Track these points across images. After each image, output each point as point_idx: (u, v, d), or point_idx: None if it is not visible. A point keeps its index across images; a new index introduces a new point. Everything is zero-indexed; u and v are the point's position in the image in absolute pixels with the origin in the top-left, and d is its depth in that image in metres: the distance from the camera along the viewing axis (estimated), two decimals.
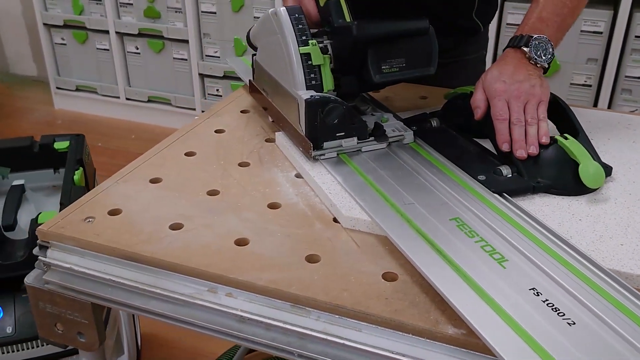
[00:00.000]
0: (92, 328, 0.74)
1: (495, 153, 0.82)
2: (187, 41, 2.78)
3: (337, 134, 0.80)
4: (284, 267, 0.67)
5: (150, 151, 0.92)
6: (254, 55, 0.99)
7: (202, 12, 2.70)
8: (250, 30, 1.00)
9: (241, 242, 0.71)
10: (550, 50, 0.83)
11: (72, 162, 1.33)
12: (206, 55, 2.80)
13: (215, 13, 2.68)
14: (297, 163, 0.85)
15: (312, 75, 0.80)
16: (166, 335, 1.74)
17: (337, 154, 0.82)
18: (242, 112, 1.05)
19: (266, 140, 0.95)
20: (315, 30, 0.85)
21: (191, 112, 2.91)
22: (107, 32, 2.91)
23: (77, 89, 3.14)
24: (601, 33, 2.16)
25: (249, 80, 1.03)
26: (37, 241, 0.74)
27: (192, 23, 2.72)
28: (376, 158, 0.82)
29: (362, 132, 0.82)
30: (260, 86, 0.98)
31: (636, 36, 2.14)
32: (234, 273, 0.66)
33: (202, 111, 2.87)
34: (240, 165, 0.88)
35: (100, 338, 0.75)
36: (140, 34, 2.86)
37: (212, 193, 0.81)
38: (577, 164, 0.76)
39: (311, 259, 0.68)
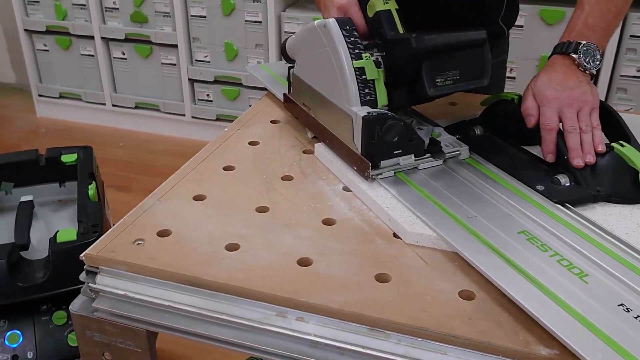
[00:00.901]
0: (146, 356, 0.71)
1: (548, 161, 0.81)
2: (175, 46, 2.73)
3: (395, 152, 0.77)
4: (355, 287, 0.64)
5: (186, 166, 0.88)
6: (290, 67, 0.95)
7: (191, 16, 2.65)
8: (285, 41, 0.96)
9: (304, 262, 0.68)
10: (598, 56, 0.82)
11: (84, 176, 1.29)
12: (196, 60, 2.75)
13: (205, 17, 2.64)
14: (345, 176, 0.83)
15: (367, 91, 0.77)
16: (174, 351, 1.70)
17: (394, 173, 0.79)
18: (272, 122, 1.02)
19: (304, 152, 0.92)
20: (365, 42, 0.82)
21: (181, 117, 2.86)
22: (92, 37, 2.84)
23: (61, 96, 3.06)
24: None
25: (285, 94, 0.98)
26: (85, 267, 0.70)
27: (181, 27, 2.66)
28: (433, 174, 0.79)
29: (419, 149, 0.79)
30: (299, 100, 0.93)
31: (631, 36, 2.16)
32: (304, 296, 0.63)
33: (193, 117, 2.83)
34: (283, 179, 0.85)
35: None
36: (127, 39, 2.79)
37: (262, 210, 0.78)
38: (636, 172, 0.75)
39: (381, 278, 0.66)
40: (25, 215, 1.21)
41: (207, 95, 2.80)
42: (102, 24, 2.80)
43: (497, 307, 0.61)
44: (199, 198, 0.80)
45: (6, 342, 1.05)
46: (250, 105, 2.72)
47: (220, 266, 0.67)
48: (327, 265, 0.68)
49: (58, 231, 1.08)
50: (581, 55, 0.81)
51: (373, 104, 0.77)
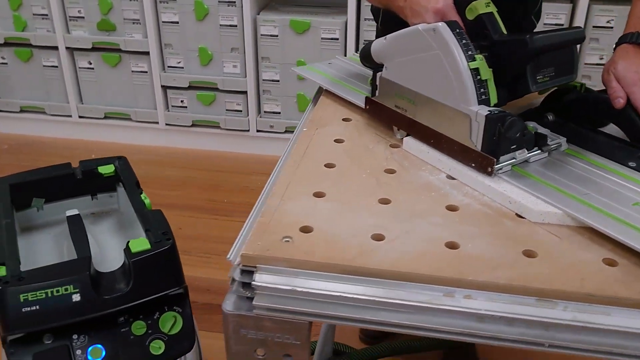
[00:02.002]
0: (304, 348, 0.73)
1: (629, 140, 0.89)
2: (146, 53, 2.68)
3: (511, 147, 0.83)
4: (509, 264, 0.70)
5: (287, 168, 0.91)
6: (376, 72, 0.98)
7: (163, 22, 2.62)
8: (367, 47, 0.99)
9: (452, 246, 0.73)
10: None
11: (131, 186, 1.27)
12: (168, 67, 2.72)
13: (177, 23, 2.61)
14: (447, 166, 0.88)
15: (482, 90, 0.81)
16: None
17: (511, 167, 0.84)
18: (344, 120, 1.06)
19: (391, 146, 0.97)
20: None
21: (154, 125, 2.82)
22: (55, 48, 2.75)
23: (22, 110, 2.94)
24: (562, 25, 2.33)
25: (367, 98, 1.02)
26: (239, 267, 0.72)
27: (152, 34, 2.63)
28: (542, 165, 0.86)
29: (530, 143, 0.85)
30: (389, 103, 0.96)
31: (594, 26, 2.33)
32: (470, 275, 0.68)
33: (167, 124, 2.80)
34: (386, 172, 0.89)
35: (307, 357, 0.74)
36: (94, 48, 2.73)
37: (384, 202, 0.82)
38: None
39: (528, 254, 0.72)
40: (79, 228, 1.19)
41: (182, 101, 2.77)
42: (66, 34, 2.72)
43: None
44: (318, 195, 0.83)
45: (89, 357, 1.04)
46: (226, 110, 2.72)
47: (377, 255, 0.71)
48: (474, 247, 0.73)
49: (129, 241, 1.07)
50: None
51: (487, 102, 0.82)
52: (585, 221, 0.74)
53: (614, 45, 0.95)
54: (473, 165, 0.84)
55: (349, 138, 1.00)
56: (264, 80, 2.67)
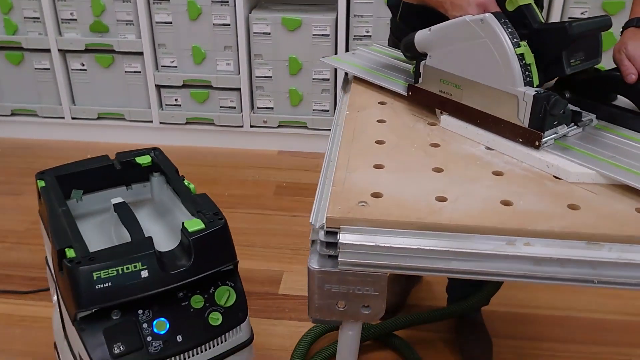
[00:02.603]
0: (381, 299, 0.83)
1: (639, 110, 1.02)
2: (140, 53, 2.74)
3: (554, 123, 0.94)
4: (559, 216, 0.81)
5: (343, 145, 1.00)
6: (420, 61, 1.08)
7: (156, 22, 2.68)
8: (410, 38, 1.08)
9: (506, 203, 0.84)
10: None
11: (172, 174, 1.35)
12: (162, 66, 2.78)
13: (170, 23, 2.68)
14: (485, 138, 0.99)
15: (527, 73, 0.92)
16: None
17: (554, 141, 0.95)
18: (380, 103, 1.17)
19: (429, 124, 1.08)
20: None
21: (148, 124, 2.87)
22: (47, 50, 2.78)
23: (13, 114, 2.96)
24: None
25: (409, 85, 1.11)
26: (325, 228, 0.82)
27: (146, 34, 2.69)
28: (576, 137, 0.97)
29: (568, 119, 0.96)
30: (433, 89, 1.06)
31: (569, 18, 2.49)
32: (530, 225, 0.79)
33: (161, 122, 2.86)
34: (432, 145, 1.00)
35: (383, 306, 0.85)
36: (87, 50, 2.77)
37: (438, 170, 0.92)
38: None
39: (572, 206, 0.83)
40: (129, 213, 1.26)
41: (175, 99, 2.83)
42: (58, 36, 2.75)
43: None
44: (378, 167, 0.93)
45: (155, 330, 1.11)
46: (220, 107, 2.80)
47: (443, 213, 0.82)
48: (525, 203, 0.84)
49: (184, 222, 1.15)
50: None
51: (531, 84, 0.93)
52: (616, 178, 0.86)
53: (621, 29, 1.08)
54: (520, 140, 0.95)
55: (389, 119, 1.10)
56: (256, 77, 2.75)
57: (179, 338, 1.12)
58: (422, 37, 1.06)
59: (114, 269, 1.06)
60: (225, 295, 1.17)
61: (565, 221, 0.80)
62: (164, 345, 1.10)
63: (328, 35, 2.63)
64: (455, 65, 1.01)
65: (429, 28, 1.04)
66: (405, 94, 1.14)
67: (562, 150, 0.93)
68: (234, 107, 2.82)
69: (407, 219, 0.80)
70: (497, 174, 0.92)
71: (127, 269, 1.07)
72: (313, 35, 2.63)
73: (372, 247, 0.80)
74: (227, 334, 1.17)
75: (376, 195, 0.86)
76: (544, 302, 1.94)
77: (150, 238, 1.12)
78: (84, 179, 1.37)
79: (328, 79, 2.71)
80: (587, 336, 1.81)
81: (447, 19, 1.04)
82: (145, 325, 1.10)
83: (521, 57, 0.93)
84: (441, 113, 1.07)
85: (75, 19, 2.72)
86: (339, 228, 0.81)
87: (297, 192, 2.58)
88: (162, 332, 1.11)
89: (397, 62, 1.32)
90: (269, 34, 2.65)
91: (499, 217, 0.81)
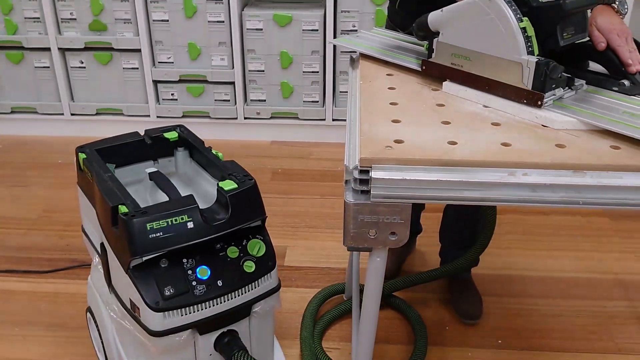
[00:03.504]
0: (406, 226, 1.01)
1: (609, 74, 1.21)
2: (137, 50, 2.88)
3: (552, 86, 1.11)
4: (549, 152, 0.99)
5: (362, 106, 1.17)
6: (432, 39, 1.24)
7: (153, 20, 2.82)
8: (424, 19, 1.23)
9: (506, 145, 1.02)
10: (626, 6, 1.24)
11: (200, 145, 1.50)
12: (159, 62, 2.92)
13: (167, 21, 2.82)
14: (482, 98, 1.18)
15: (529, 44, 1.09)
16: None
17: (552, 102, 1.12)
18: (387, 75, 1.34)
19: (432, 90, 1.26)
20: None
21: (145, 118, 3.01)
22: (46, 49, 2.90)
23: (13, 111, 3.06)
24: None
25: (423, 60, 1.28)
26: (358, 167, 0.98)
27: (144, 32, 2.83)
28: (570, 99, 1.15)
29: (564, 83, 1.14)
30: (446, 62, 1.22)
31: None
32: (526, 159, 0.97)
33: (158, 116, 3.00)
34: (438, 105, 1.18)
35: (407, 234, 1.02)
36: (86, 48, 2.89)
37: (446, 122, 1.10)
38: None
39: (559, 145, 1.02)
40: (164, 179, 1.41)
41: (172, 94, 2.98)
42: (58, 35, 2.87)
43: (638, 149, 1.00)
44: (395, 121, 1.11)
45: (198, 276, 1.26)
46: (215, 100, 2.95)
47: (455, 152, 0.99)
48: (521, 144, 1.02)
49: (218, 183, 1.31)
50: (619, 5, 1.23)
51: (532, 53, 1.10)
52: (594, 124, 1.05)
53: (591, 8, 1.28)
54: (524, 101, 1.12)
55: (397, 86, 1.27)
56: (249, 71, 2.91)
57: (220, 283, 1.27)
58: (435, 17, 1.23)
59: (165, 220, 1.21)
60: (256, 247, 1.33)
61: (554, 156, 0.98)
62: (206, 289, 1.26)
63: (317, 30, 2.80)
64: (465, 40, 1.18)
65: (440, 9, 1.22)
66: (417, 68, 1.31)
67: (555, 107, 1.12)
68: (228, 100, 2.97)
69: (427, 157, 0.98)
70: (496, 124, 1.10)
71: (176, 220, 1.22)
72: (303, 30, 2.80)
73: (400, 181, 0.97)
74: (259, 280, 1.33)
75: (398, 141, 1.03)
76: (525, 265, 2.14)
77: (191, 196, 1.28)
78: (119, 152, 1.52)
79: (317, 72, 2.89)
80: (564, 292, 2.01)
81: (446, 4, 1.22)
82: (189, 272, 1.26)
83: (524, 30, 1.10)
84: (444, 80, 1.25)
85: (75, 19, 2.85)
86: (371, 167, 0.98)
87: (292, 177, 2.74)
88: (205, 278, 1.26)
89: (400, 42, 1.50)
90: (261, 29, 2.81)
91: (501, 154, 0.99)
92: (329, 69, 2.87)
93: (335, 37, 2.82)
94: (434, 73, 1.27)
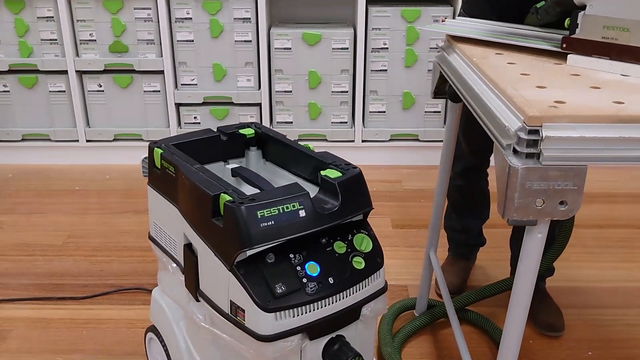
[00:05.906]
0: (580, 193, 0.90)
1: None
2: (160, 72, 2.77)
3: None
4: None
5: (495, 77, 1.08)
6: (577, 13, 1.13)
7: (177, 41, 2.73)
8: None
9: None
10: None
11: (283, 139, 1.39)
12: (182, 84, 2.81)
13: (192, 41, 2.73)
14: (618, 68, 1.09)
15: None
16: None
17: None
18: (497, 54, 1.26)
19: (555, 64, 1.17)
20: None
21: None
22: (63, 72, 2.77)
23: (24, 139, 2.90)
24: None
25: (564, 37, 1.17)
26: (527, 128, 0.88)
27: (167, 53, 2.73)
28: None
29: None
30: (595, 36, 1.11)
31: None
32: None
33: None
34: (572, 75, 1.09)
35: (579, 202, 0.91)
36: (105, 71, 2.77)
37: (595, 87, 1.01)
38: None
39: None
40: (251, 172, 1.28)
41: (195, 117, 2.86)
42: (76, 57, 2.75)
43: None
44: (540, 87, 1.01)
45: (308, 272, 1.12)
46: (240, 122, 2.83)
47: (627, 110, 0.90)
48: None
49: (320, 172, 1.19)
50: None
51: None
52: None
53: None
54: None
55: (517, 62, 1.19)
56: (276, 91, 2.82)
57: (331, 280, 1.14)
58: None
59: (276, 207, 1.08)
60: (363, 242, 1.20)
61: None
62: (318, 287, 1.12)
63: (347, 48, 2.74)
64: (622, 9, 1.09)
65: None
66: (548, 48, 1.22)
67: None
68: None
69: (603, 114, 0.88)
70: (595, 87, 1.01)
71: (287, 208, 1.09)
72: (332, 49, 2.74)
73: (577, 140, 0.87)
74: (368, 278, 1.19)
75: (559, 102, 0.93)
76: (595, 277, 2.04)
77: (296, 184, 1.15)
78: (193, 148, 1.39)
79: (347, 91, 2.81)
80: None
81: None
82: (298, 268, 1.12)
83: None
84: (567, 53, 1.17)
85: (95, 40, 2.74)
86: (541, 125, 0.88)
87: None
88: (315, 275, 1.13)
89: (495, 27, 1.42)
90: (290, 49, 2.74)
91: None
92: (358, 88, 2.79)
93: (365, 55, 2.75)
94: (579, 50, 1.17)
